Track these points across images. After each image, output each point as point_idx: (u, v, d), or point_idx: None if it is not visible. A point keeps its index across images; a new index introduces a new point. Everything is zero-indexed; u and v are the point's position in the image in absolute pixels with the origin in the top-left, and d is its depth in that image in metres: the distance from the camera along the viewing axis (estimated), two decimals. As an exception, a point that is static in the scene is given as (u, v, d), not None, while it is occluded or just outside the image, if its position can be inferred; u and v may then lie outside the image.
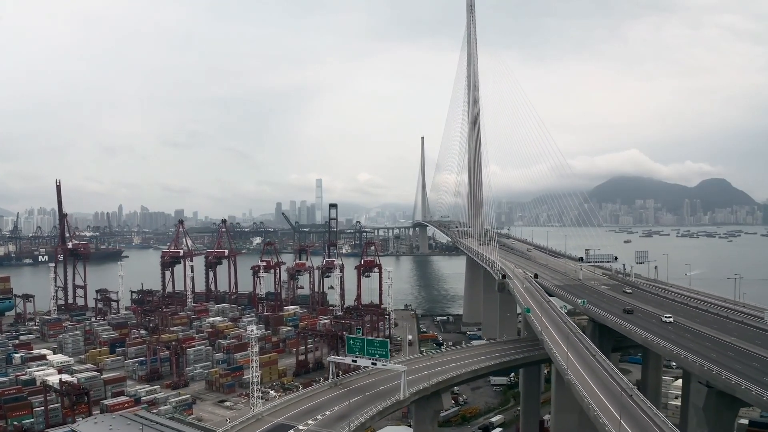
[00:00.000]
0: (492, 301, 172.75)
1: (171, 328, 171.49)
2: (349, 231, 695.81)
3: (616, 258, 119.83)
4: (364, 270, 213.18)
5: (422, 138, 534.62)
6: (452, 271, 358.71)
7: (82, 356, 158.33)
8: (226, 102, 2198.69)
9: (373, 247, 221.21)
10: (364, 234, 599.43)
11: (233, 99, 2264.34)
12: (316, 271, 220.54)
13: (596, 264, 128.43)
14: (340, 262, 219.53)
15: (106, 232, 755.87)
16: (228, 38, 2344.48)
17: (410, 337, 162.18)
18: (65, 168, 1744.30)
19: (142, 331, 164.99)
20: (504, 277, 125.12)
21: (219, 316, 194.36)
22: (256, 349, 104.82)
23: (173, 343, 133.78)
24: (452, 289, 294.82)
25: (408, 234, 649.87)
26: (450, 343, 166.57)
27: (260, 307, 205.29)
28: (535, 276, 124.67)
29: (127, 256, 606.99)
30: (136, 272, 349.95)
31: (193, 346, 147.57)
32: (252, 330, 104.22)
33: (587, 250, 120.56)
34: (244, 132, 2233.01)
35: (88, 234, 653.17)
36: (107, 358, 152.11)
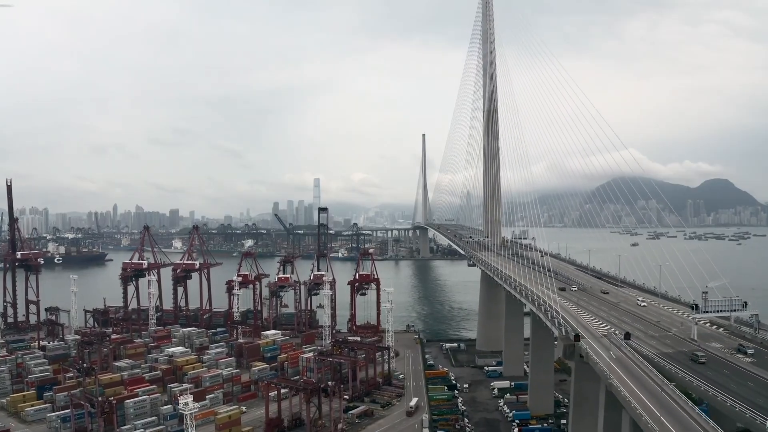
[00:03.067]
0: (516, 330, 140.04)
1: (119, 363, 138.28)
2: (346, 233, 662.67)
3: (745, 304, 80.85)
4: (358, 286, 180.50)
5: (423, 135, 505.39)
6: (457, 279, 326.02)
7: (6, 400, 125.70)
8: (215, 100, 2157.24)
9: (369, 257, 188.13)
10: (362, 236, 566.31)
11: (223, 97, 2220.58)
12: (302, 287, 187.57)
13: (718, 314, 79.19)
14: (331, 277, 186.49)
15: (92, 233, 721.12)
16: (216, 35, 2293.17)
17: (413, 403, 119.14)
18: (56, 167, 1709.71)
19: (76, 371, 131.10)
20: (577, 337, 75.97)
21: (184, 344, 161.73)
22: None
23: (98, 398, 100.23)
24: (459, 302, 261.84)
25: (408, 236, 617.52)
26: (465, 386, 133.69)
27: (235, 332, 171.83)
28: (627, 336, 77.04)
29: (111, 260, 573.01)
30: (112, 281, 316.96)
31: (135, 395, 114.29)
32: (187, 403, 70.88)
33: (705, 292, 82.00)
34: (235, 131, 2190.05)
35: (69, 236, 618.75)
36: (31, 406, 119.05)
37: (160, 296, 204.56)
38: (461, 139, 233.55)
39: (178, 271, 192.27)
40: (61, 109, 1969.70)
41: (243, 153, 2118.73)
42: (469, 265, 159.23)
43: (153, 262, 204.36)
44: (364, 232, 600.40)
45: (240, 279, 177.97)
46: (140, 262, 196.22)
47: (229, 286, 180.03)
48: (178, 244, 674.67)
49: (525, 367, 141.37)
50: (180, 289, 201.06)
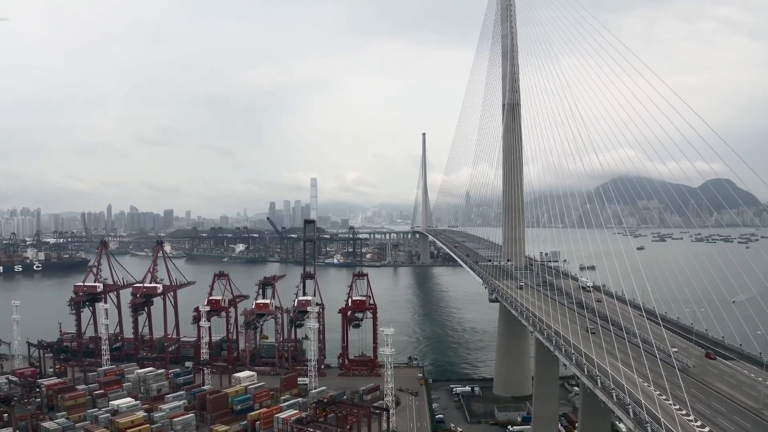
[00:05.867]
0: (549, 380, 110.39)
1: (47, 424, 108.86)
2: (342, 233, 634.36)
3: None
4: (351, 315, 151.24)
5: (423, 135, 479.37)
6: (461, 291, 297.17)
7: None
8: (205, 99, 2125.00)
9: (365, 279, 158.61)
10: (358, 240, 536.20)
11: (213, 96, 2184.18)
12: (284, 315, 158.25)
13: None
14: (318, 302, 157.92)
15: (77, 236, 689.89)
16: (204, 33, 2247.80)
17: None
18: (48, 166, 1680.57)
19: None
20: None
21: (139, 389, 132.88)
22: None
23: None
24: (466, 322, 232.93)
25: (407, 238, 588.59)
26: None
27: (202, 374, 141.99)
28: None
29: (95, 266, 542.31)
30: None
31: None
32: None
33: None
34: (227, 130, 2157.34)
35: (51, 241, 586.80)
36: None
37: (120, 322, 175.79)
38: (469, 139, 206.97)
39: (138, 296, 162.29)
40: (50, 107, 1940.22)
41: (235, 152, 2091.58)
42: (491, 301, 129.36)
43: (111, 283, 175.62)
44: (360, 236, 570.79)
45: (208, 307, 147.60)
46: (94, 284, 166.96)
47: (197, 316, 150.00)
48: (167, 248, 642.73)
49: (560, 427, 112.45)
50: (143, 314, 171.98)
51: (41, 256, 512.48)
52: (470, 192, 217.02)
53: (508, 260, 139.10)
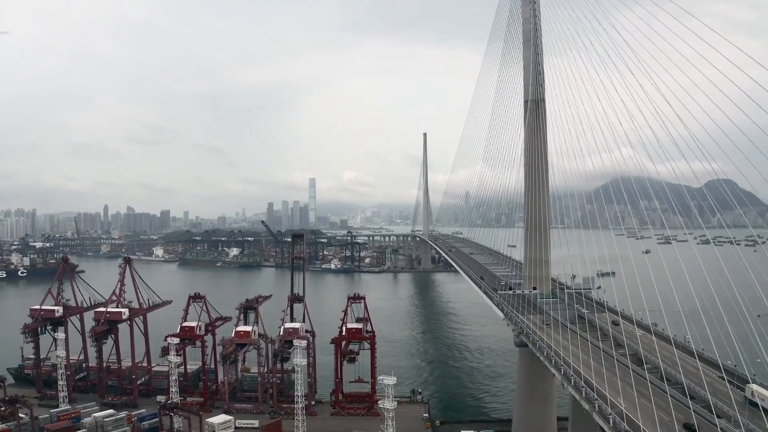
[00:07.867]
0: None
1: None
2: (341, 235, 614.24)
3: None
4: (345, 348, 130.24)
5: (424, 134, 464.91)
6: (466, 301, 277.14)
7: None
8: (199, 98, 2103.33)
9: (362, 303, 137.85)
10: (357, 244, 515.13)
11: (204, 95, 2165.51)
12: (268, 346, 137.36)
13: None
14: (308, 329, 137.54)
15: (69, 239, 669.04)
16: (194, 32, 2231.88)
17: None
18: (42, 166, 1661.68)
19: None
20: None
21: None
22: None
23: None
24: (474, 341, 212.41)
25: (407, 241, 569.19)
26: None
27: (171, 417, 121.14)
28: None
29: (83, 271, 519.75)
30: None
31: None
32: None
33: None
34: (222, 129, 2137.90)
35: (38, 245, 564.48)
36: None
37: (85, 348, 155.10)
38: (477, 138, 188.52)
39: (101, 322, 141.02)
40: (42, 106, 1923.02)
41: (231, 152, 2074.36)
42: (518, 345, 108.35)
43: (74, 305, 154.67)
44: (358, 239, 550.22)
45: (177, 340, 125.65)
46: (52, 308, 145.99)
47: (165, 347, 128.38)
48: (159, 251, 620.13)
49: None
50: (110, 339, 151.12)
51: (26, 261, 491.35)
52: (477, 196, 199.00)
53: (533, 288, 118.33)
